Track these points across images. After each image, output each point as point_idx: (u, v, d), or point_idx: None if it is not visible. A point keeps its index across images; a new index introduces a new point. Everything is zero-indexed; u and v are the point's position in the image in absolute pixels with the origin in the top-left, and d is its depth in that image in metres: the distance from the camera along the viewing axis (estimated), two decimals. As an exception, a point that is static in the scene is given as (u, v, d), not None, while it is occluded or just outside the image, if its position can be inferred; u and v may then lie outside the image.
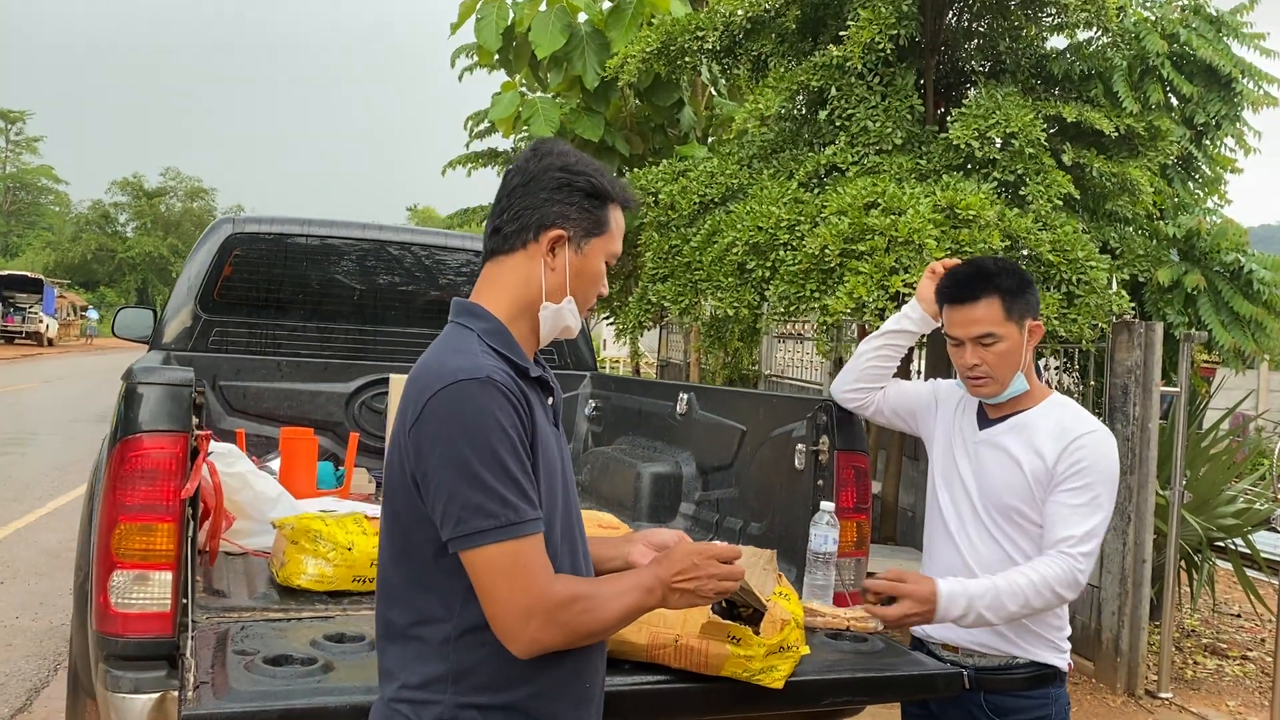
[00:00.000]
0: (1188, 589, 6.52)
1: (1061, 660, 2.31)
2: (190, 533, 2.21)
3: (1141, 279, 6.30)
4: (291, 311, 4.52)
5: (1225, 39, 6.35)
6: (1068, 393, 6.36)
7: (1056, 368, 6.61)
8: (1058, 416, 2.32)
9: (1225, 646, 6.32)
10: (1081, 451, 2.24)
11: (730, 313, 5.67)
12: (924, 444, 2.61)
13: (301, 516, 2.73)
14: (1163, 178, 6.43)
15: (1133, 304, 5.73)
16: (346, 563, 2.57)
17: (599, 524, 2.81)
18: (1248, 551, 6.11)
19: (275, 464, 3.71)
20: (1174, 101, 6.48)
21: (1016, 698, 2.28)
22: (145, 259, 57.56)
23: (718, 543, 1.74)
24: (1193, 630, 6.60)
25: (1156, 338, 5.45)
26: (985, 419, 2.40)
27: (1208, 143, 6.65)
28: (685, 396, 3.73)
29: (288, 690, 1.90)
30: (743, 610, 2.23)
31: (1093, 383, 5.92)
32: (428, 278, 4.76)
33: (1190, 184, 6.96)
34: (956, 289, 2.34)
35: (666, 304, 6.20)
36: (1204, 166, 6.95)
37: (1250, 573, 6.19)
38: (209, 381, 4.26)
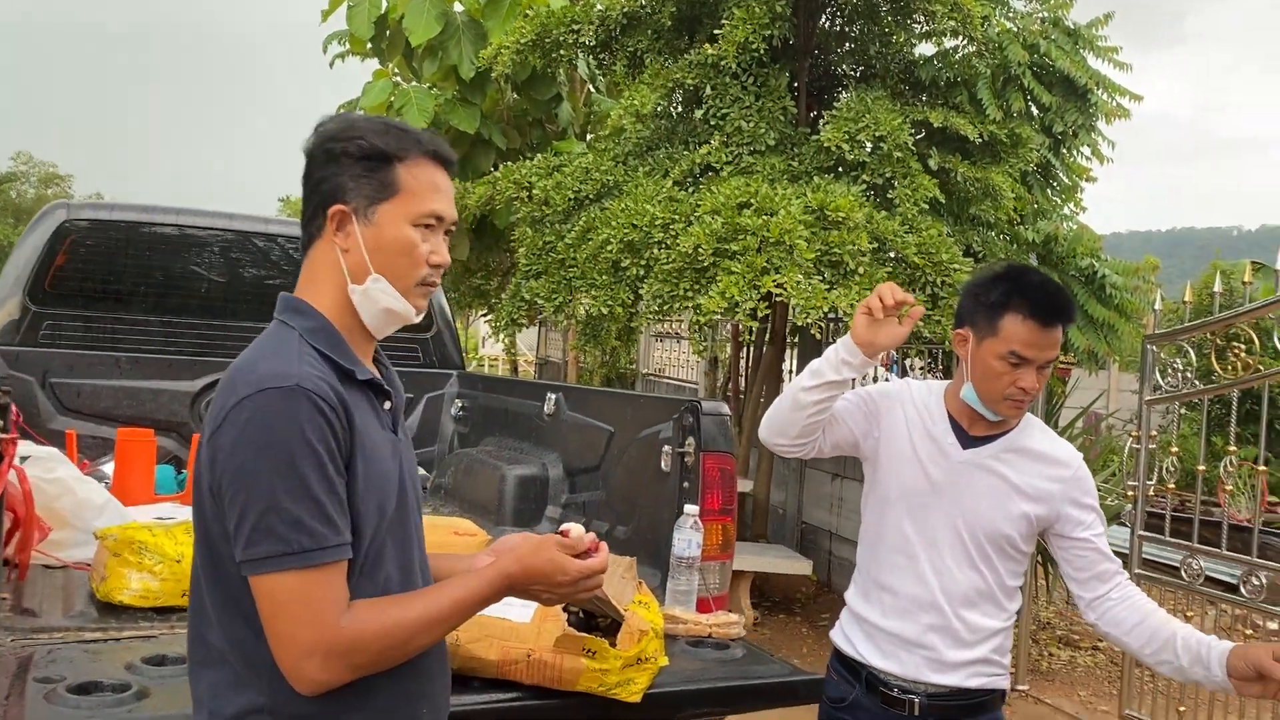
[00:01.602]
0: (1044, 582, 6.75)
1: (1006, 681, 2.26)
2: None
3: (1003, 283, 6.48)
4: (133, 304, 4.22)
5: (1082, 51, 6.59)
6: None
7: (921, 368, 6.75)
8: (1039, 439, 2.21)
9: (1078, 638, 6.56)
10: (1084, 481, 2.17)
11: (605, 311, 5.60)
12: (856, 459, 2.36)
13: (127, 526, 2.52)
14: (1022, 184, 6.63)
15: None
16: (175, 576, 2.37)
17: (455, 531, 2.69)
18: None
19: (109, 468, 3.45)
20: (1034, 110, 6.70)
21: None
22: (-8, 247, 54.18)
23: (572, 531, 1.60)
24: (1048, 622, 6.83)
25: (1016, 339, 5.59)
26: (966, 437, 2.19)
27: (1065, 151, 6.89)
28: (553, 397, 3.63)
29: (92, 722, 1.72)
30: (600, 620, 2.15)
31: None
32: (284, 269, 4.52)
33: (1048, 191, 7.21)
34: (1050, 307, 2.06)
35: (540, 301, 6.08)
36: (1061, 174, 7.21)
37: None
38: (38, 378, 3.95)
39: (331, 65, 11.23)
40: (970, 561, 2.15)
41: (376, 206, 1.50)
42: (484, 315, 10.35)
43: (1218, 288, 4.75)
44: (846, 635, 2.28)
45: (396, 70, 10.27)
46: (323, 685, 1.37)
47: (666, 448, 2.86)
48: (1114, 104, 6.58)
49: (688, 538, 2.49)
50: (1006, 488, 2.14)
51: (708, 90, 6.15)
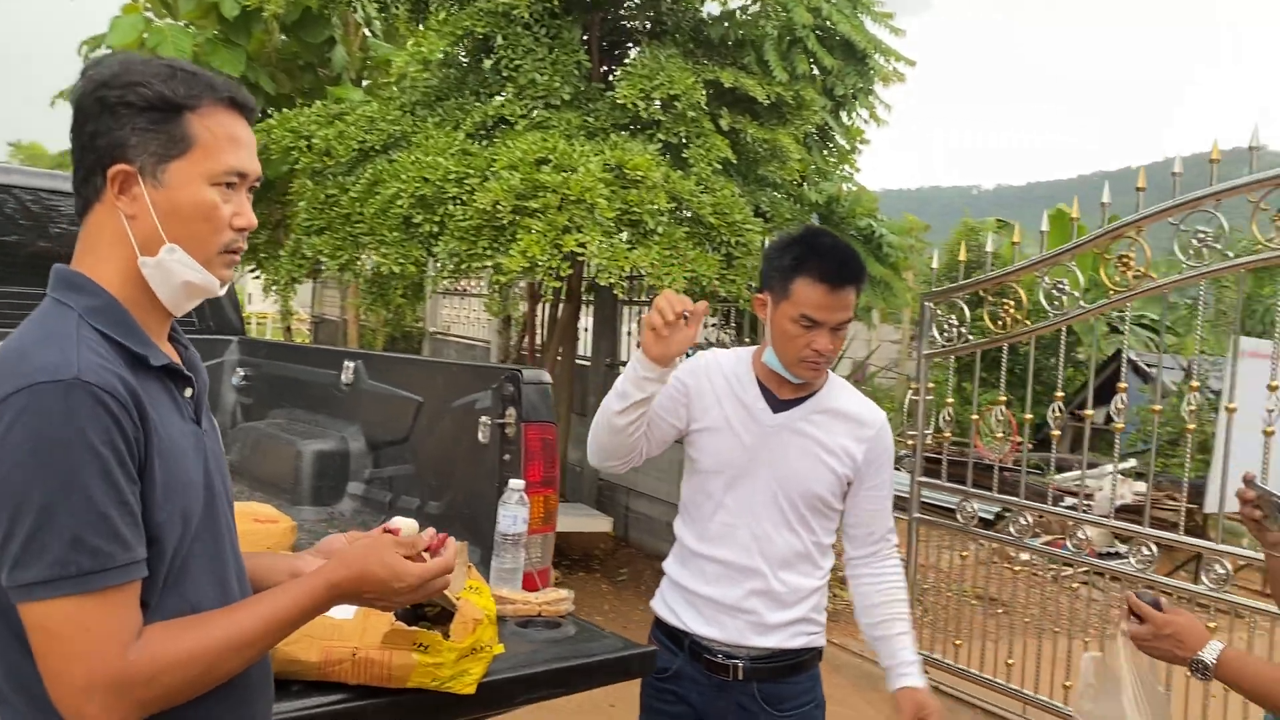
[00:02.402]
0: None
1: (823, 639, 2.29)
2: None
3: (789, 241, 6.68)
4: None
5: (861, 15, 6.81)
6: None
7: (714, 325, 6.88)
8: (846, 398, 2.25)
9: (858, 577, 6.94)
10: (884, 441, 2.23)
11: (396, 269, 5.33)
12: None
13: None
14: (803, 146, 6.83)
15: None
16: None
17: (255, 518, 2.45)
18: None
19: None
20: (817, 73, 6.88)
21: (789, 684, 2.22)
22: None
23: (403, 528, 1.46)
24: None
25: (805, 297, 5.78)
26: (776, 401, 2.20)
27: (845, 114, 7.14)
28: (352, 364, 3.40)
29: None
30: (429, 610, 2.02)
31: (747, 340, 6.21)
32: (33, 226, 4.00)
33: (824, 153, 7.47)
34: (840, 270, 2.08)
35: (324, 258, 5.73)
36: (839, 137, 7.48)
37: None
38: None
39: (70, -6, 10.11)
40: (788, 524, 2.20)
41: (167, 165, 1.29)
42: (251, 271, 9.67)
43: (990, 247, 5.07)
44: (668, 604, 2.30)
45: (149, 5, 9.36)
46: None
47: (484, 418, 2.73)
48: (890, 68, 6.86)
49: (514, 513, 2.38)
50: (817, 448, 2.19)
51: (499, 40, 5.94)
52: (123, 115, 1.27)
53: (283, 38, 9.32)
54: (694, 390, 2.24)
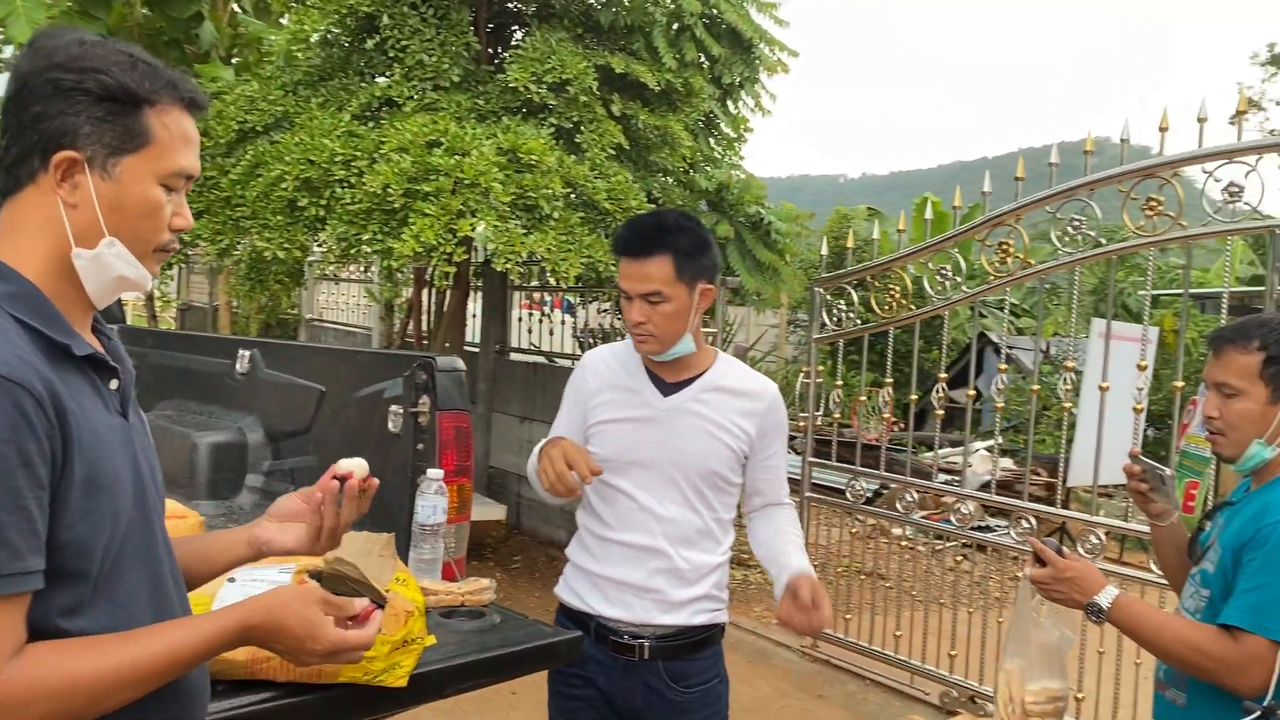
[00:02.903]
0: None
1: (726, 614, 2.33)
2: None
3: (680, 227, 6.74)
4: None
5: (746, 5, 6.91)
6: (618, 334, 6.67)
7: (605, 310, 6.90)
8: (736, 375, 2.29)
9: (748, 558, 7.09)
10: (776, 414, 2.27)
11: (280, 254, 5.16)
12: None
13: None
14: (690, 134, 6.90)
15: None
16: None
17: (167, 515, 2.35)
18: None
19: None
20: (705, 61, 6.95)
21: (694, 660, 2.25)
22: None
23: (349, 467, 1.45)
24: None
25: (697, 282, 5.86)
26: (666, 385, 2.26)
27: (732, 103, 7.24)
28: (247, 353, 3.29)
29: None
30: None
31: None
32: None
33: (710, 141, 7.56)
34: (631, 241, 2.16)
35: (202, 243, 5.50)
36: (725, 125, 7.58)
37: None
38: None
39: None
40: (688, 503, 2.24)
41: (120, 159, 1.24)
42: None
43: (874, 234, 5.23)
44: (573, 589, 2.33)
45: (-4, -30, 8.75)
46: None
47: (395, 407, 2.68)
48: (775, 58, 6.98)
49: (433, 503, 2.34)
50: (710, 426, 2.23)
51: (385, 19, 5.79)
52: (78, 101, 1.21)
53: (146, 12, 8.86)
54: (586, 391, 2.31)
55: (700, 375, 2.26)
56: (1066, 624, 1.98)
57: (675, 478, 2.22)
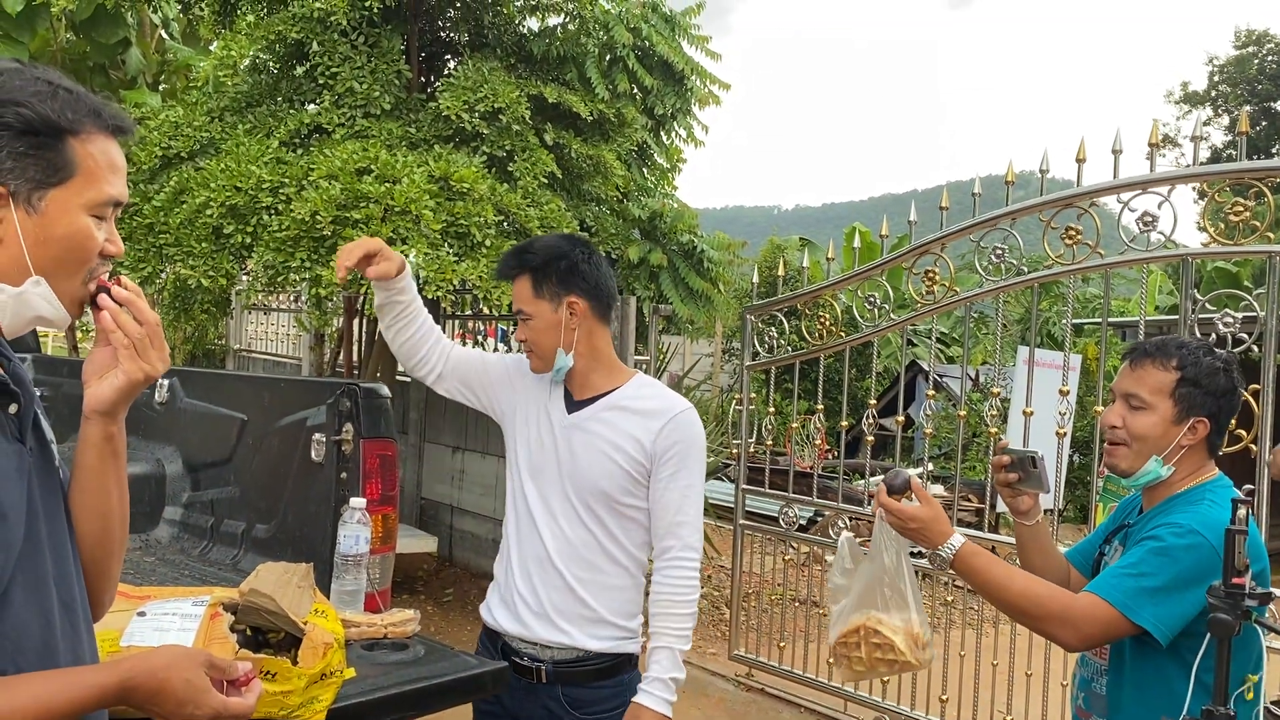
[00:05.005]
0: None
1: (635, 645, 2.29)
2: None
3: (614, 256, 6.76)
4: None
5: (679, 38, 6.99)
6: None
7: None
8: (646, 395, 2.26)
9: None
10: (679, 431, 2.21)
11: (205, 282, 5.05)
12: (495, 422, 2.43)
13: None
14: (622, 164, 6.94)
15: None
16: None
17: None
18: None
19: None
20: (637, 93, 7.01)
21: (593, 689, 2.22)
22: None
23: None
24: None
25: (631, 311, 5.87)
26: (573, 402, 2.26)
27: (664, 134, 7.30)
28: (166, 382, 3.19)
29: None
30: (273, 636, 1.92)
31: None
32: None
33: (644, 170, 7.61)
34: (499, 268, 2.30)
35: (124, 271, 5.35)
36: (658, 156, 7.64)
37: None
38: None
39: None
40: (581, 522, 2.23)
41: (45, 192, 1.20)
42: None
43: (805, 263, 5.29)
44: (489, 604, 2.35)
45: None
46: None
47: (318, 435, 2.63)
48: (707, 90, 7.07)
49: (355, 533, 2.30)
50: (604, 444, 2.22)
51: (314, 46, 5.74)
52: None
53: (71, 36, 8.69)
54: (509, 381, 2.35)
55: (607, 394, 2.26)
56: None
57: (569, 494, 2.23)
